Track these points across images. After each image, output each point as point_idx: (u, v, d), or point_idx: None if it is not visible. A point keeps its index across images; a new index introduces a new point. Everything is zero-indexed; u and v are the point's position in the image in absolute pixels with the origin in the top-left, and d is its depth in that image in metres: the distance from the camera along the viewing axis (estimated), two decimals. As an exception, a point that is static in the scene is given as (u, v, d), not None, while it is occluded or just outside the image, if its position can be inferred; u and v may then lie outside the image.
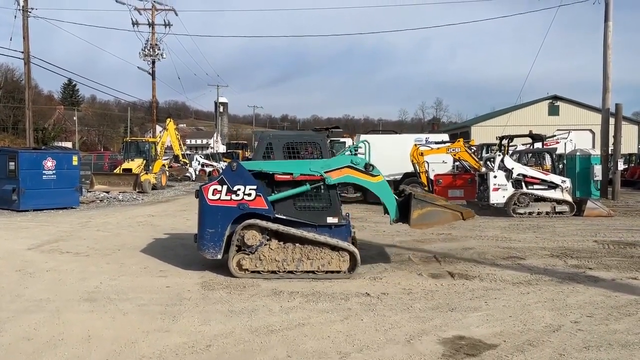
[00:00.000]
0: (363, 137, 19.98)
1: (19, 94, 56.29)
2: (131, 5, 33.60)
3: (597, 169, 19.93)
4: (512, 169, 14.84)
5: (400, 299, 6.35)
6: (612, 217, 14.38)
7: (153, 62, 34.83)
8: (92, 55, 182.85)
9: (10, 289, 6.76)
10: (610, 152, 21.44)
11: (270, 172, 7.39)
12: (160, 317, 5.61)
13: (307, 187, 7.37)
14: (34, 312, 5.79)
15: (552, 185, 14.82)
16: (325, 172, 7.34)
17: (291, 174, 7.34)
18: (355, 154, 8.23)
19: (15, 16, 25.04)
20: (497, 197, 14.81)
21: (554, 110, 43.95)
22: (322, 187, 7.46)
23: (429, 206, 7.58)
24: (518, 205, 14.60)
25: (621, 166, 21.38)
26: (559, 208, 14.68)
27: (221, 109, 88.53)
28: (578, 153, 20.91)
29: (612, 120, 21.34)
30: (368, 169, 7.48)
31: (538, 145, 18.29)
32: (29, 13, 24.77)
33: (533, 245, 9.99)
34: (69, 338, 4.99)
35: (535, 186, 14.87)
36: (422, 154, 16.88)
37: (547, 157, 17.62)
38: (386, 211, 7.90)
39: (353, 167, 7.47)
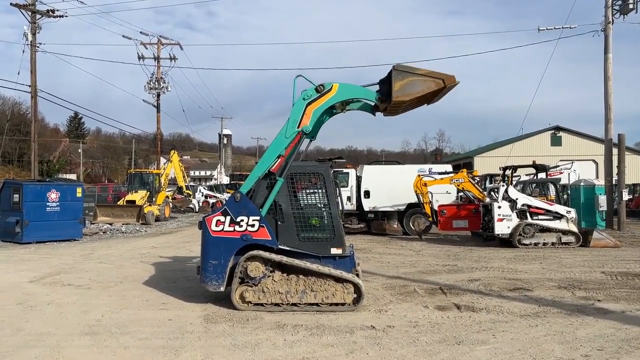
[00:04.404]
0: (366, 167, 20.06)
1: (25, 127, 56.96)
2: (137, 40, 34.31)
3: (602, 199, 19.86)
4: (517, 199, 14.77)
5: (406, 332, 6.23)
6: (619, 248, 14.25)
7: (158, 95, 35.30)
8: (98, 88, 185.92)
9: (10, 323, 6.67)
10: (614, 183, 21.41)
11: (266, 171, 7.38)
12: (162, 351, 5.51)
13: (282, 180, 7.28)
14: (34, 346, 5.70)
15: (557, 216, 14.72)
16: (298, 127, 7.35)
17: (279, 155, 7.37)
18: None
19: (24, 51, 25.59)
20: (502, 228, 14.70)
21: (556, 141, 44.11)
22: (324, 215, 7.40)
23: (410, 76, 7.25)
24: (523, 236, 14.47)
25: (626, 196, 21.31)
26: (564, 239, 14.54)
27: (225, 141, 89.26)
28: (582, 183, 20.89)
29: (615, 151, 21.38)
30: (320, 90, 7.41)
31: (542, 175, 18.29)
32: (37, 48, 25.28)
33: (540, 277, 9.86)
34: (69, 373, 4.89)
35: (540, 217, 14.77)
36: (425, 185, 16.89)
37: (551, 187, 17.59)
38: (365, 107, 7.81)
39: (310, 101, 7.43)
